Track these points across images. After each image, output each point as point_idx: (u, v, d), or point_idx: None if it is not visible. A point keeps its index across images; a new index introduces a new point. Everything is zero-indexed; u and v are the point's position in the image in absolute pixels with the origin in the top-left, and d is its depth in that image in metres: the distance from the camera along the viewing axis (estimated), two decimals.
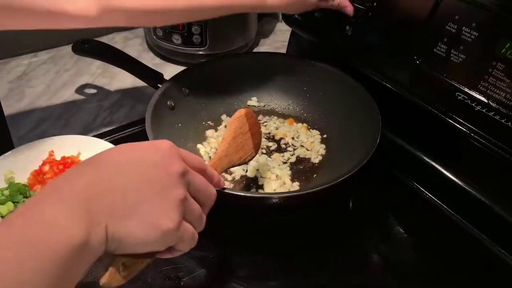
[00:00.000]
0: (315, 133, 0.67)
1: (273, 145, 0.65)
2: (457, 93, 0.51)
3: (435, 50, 0.52)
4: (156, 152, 0.33)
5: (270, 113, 0.71)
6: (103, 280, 0.31)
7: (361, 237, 0.56)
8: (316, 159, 0.62)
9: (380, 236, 0.56)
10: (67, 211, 0.27)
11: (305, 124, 0.68)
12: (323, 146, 0.64)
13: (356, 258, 0.53)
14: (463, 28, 0.49)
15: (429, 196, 0.59)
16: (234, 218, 0.55)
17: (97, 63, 0.82)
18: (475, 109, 0.49)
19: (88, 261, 0.28)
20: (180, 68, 0.85)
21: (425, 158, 0.60)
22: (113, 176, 0.30)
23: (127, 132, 0.68)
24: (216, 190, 0.38)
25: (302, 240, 0.55)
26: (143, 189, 0.30)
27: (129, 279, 0.32)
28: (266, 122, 0.69)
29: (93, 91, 0.80)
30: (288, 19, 0.75)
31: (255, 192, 0.54)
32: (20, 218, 0.26)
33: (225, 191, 0.46)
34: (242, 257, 0.52)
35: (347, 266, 0.52)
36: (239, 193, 0.47)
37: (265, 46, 0.96)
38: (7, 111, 0.71)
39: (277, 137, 0.66)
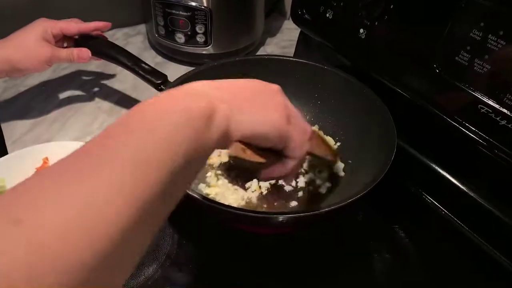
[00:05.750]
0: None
1: None
2: (479, 105, 0.47)
3: (457, 58, 0.48)
4: (266, 85, 0.40)
5: None
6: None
7: (370, 249, 0.54)
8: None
9: (390, 249, 0.54)
10: (193, 95, 0.32)
11: None
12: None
13: (365, 271, 0.51)
14: (489, 36, 0.45)
15: (445, 212, 0.57)
16: (238, 233, 0.53)
17: (96, 61, 0.79)
18: (500, 123, 0.46)
19: (217, 132, 0.31)
20: (183, 68, 0.83)
21: (441, 171, 0.57)
22: (229, 85, 0.36)
23: None
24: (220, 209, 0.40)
25: (309, 252, 0.53)
26: (254, 95, 0.37)
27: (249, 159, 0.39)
28: None
29: (91, 91, 0.76)
30: (297, 18, 0.72)
31: (260, 212, 0.51)
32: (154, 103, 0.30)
33: (230, 209, 0.43)
34: (247, 272, 0.50)
35: (355, 278, 0.50)
36: (246, 213, 0.45)
37: (272, 45, 0.92)
38: (0, 112, 0.68)
39: None
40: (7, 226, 0.20)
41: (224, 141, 0.33)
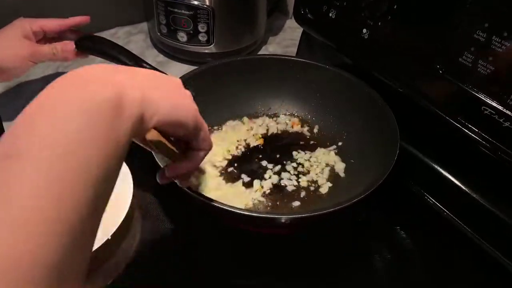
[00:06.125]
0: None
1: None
2: (483, 107, 0.47)
3: (460, 59, 0.48)
4: (169, 76, 0.38)
5: None
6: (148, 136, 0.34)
7: (371, 249, 0.54)
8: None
9: (391, 250, 0.54)
10: (93, 83, 0.28)
11: None
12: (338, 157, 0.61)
13: (365, 271, 0.51)
14: (493, 37, 0.45)
15: (446, 213, 0.56)
16: (238, 232, 0.53)
17: (99, 59, 0.79)
18: (503, 125, 0.46)
19: (130, 120, 0.28)
20: (185, 67, 0.82)
21: (443, 172, 0.57)
22: (132, 71, 0.33)
23: None
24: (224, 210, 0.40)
25: (309, 252, 0.53)
26: (160, 82, 0.34)
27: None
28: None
29: None
30: (299, 17, 0.72)
31: (263, 212, 0.52)
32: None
33: (235, 211, 0.43)
34: (247, 272, 0.50)
35: (356, 278, 0.50)
36: (250, 214, 0.45)
37: (274, 44, 0.92)
38: (2, 110, 0.68)
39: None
40: None
41: (139, 129, 0.30)
